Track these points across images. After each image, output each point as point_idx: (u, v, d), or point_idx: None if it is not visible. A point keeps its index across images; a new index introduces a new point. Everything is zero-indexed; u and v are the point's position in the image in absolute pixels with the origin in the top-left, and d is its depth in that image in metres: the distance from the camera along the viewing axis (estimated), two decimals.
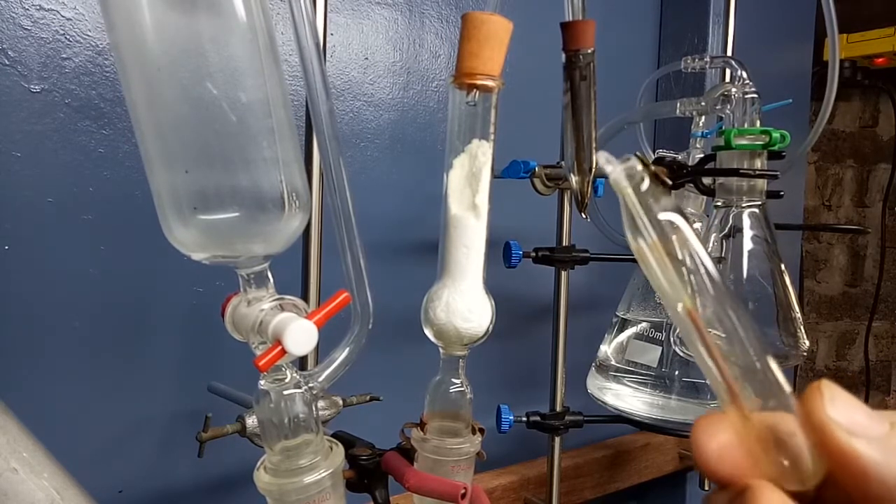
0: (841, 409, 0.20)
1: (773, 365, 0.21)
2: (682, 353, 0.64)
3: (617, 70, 0.92)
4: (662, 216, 0.21)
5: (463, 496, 0.43)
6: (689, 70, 0.74)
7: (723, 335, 0.21)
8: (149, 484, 0.65)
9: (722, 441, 0.21)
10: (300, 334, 0.34)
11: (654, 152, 0.79)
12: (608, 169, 0.22)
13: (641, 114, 0.80)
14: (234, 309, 0.37)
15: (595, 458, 0.89)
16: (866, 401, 0.22)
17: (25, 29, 0.56)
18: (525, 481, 0.81)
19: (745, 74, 0.67)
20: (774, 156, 0.62)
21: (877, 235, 1.56)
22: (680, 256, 0.21)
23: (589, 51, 0.45)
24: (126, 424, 0.64)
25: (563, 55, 0.46)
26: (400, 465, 0.47)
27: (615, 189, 0.22)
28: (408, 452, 0.48)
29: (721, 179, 0.64)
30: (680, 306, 0.22)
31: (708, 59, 0.73)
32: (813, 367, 1.60)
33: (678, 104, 0.70)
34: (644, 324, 0.73)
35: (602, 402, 0.73)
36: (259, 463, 0.40)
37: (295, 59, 0.40)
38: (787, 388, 0.21)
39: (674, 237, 0.22)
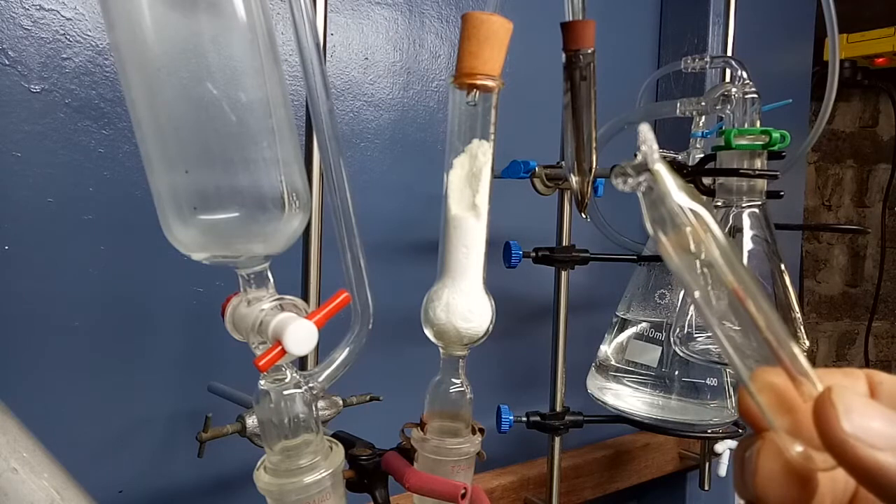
0: (857, 420, 0.19)
1: (797, 350, 0.21)
2: (681, 354, 0.64)
3: (617, 70, 0.93)
4: (690, 204, 0.21)
5: (463, 496, 0.43)
6: (689, 70, 0.74)
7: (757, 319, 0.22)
8: (149, 484, 0.65)
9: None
10: (300, 334, 0.34)
11: None
12: (650, 138, 0.21)
13: (641, 114, 0.80)
14: (234, 309, 0.37)
15: (595, 458, 0.89)
16: None
17: (25, 29, 0.56)
18: (525, 481, 0.81)
19: (745, 74, 0.67)
20: (774, 156, 0.62)
21: (877, 235, 1.56)
22: (716, 242, 0.21)
23: (589, 51, 0.45)
24: (126, 424, 0.64)
25: (563, 55, 0.46)
26: (400, 465, 0.47)
27: (649, 165, 0.21)
28: (408, 452, 0.48)
29: (721, 179, 0.64)
30: (697, 293, 0.22)
31: (708, 59, 0.73)
32: (813, 367, 1.60)
33: (678, 104, 0.70)
34: (644, 324, 0.73)
35: (602, 402, 0.73)
36: (259, 463, 0.40)
37: (295, 59, 0.40)
38: (811, 372, 0.21)
39: (708, 222, 0.21)
